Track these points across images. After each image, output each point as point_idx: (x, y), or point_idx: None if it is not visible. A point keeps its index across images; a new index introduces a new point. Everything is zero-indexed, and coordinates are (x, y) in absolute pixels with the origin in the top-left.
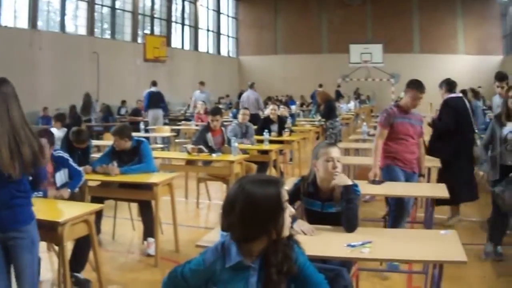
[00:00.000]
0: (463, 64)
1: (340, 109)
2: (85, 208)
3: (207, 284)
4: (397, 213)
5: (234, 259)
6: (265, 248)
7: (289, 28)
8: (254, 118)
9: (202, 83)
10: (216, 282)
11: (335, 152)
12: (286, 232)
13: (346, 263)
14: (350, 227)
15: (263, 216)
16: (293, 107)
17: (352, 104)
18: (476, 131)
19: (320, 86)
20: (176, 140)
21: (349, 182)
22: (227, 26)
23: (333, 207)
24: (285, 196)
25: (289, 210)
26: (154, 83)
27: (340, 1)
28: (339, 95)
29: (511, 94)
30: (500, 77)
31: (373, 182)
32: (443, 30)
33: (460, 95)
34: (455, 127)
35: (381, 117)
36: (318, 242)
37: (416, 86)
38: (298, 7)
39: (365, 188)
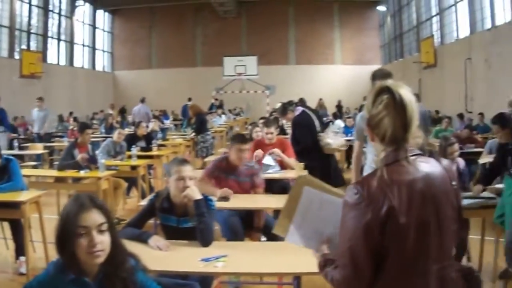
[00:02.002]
0: (339, 74)
1: (213, 123)
2: None
3: None
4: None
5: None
6: (100, 271)
7: (163, 42)
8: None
9: (40, 99)
10: None
11: (187, 170)
12: (88, 260)
13: (206, 277)
14: (205, 241)
15: (57, 232)
16: (166, 122)
17: (224, 117)
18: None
19: (189, 100)
20: (51, 157)
21: (199, 196)
22: (103, 40)
23: (189, 222)
24: (84, 222)
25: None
26: None
27: (215, 14)
28: (212, 108)
29: None
30: (384, 74)
31: (221, 198)
32: (320, 41)
33: (301, 109)
34: (311, 139)
35: (209, 165)
36: (173, 257)
37: (236, 140)
38: (173, 21)
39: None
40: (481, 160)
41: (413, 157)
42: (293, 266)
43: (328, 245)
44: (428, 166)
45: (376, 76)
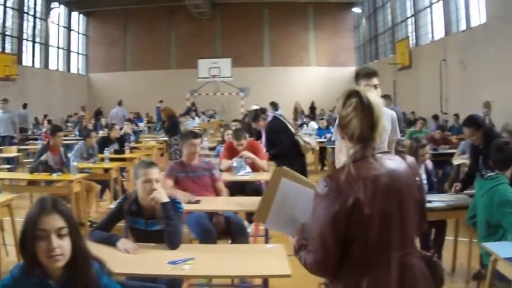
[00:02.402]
0: (314, 75)
1: (187, 125)
2: None
3: None
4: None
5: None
6: (63, 275)
7: (138, 45)
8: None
9: (5, 100)
10: None
11: (153, 173)
12: (47, 263)
13: (175, 280)
14: (172, 244)
15: (20, 234)
16: (141, 125)
17: (198, 120)
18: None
19: (161, 102)
20: (25, 160)
21: (165, 199)
22: (77, 43)
23: (157, 225)
24: (43, 225)
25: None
26: None
27: (190, 16)
28: (189, 111)
29: None
30: (368, 73)
31: (190, 202)
32: (295, 43)
33: (272, 114)
34: (288, 141)
35: (167, 168)
36: (141, 260)
37: (187, 136)
38: (148, 23)
39: (191, 204)
40: (455, 161)
41: (379, 155)
42: (260, 268)
43: (303, 232)
44: (393, 163)
45: (360, 74)
